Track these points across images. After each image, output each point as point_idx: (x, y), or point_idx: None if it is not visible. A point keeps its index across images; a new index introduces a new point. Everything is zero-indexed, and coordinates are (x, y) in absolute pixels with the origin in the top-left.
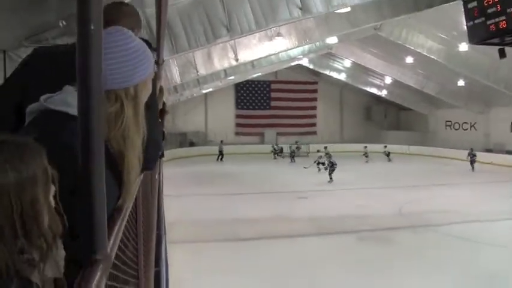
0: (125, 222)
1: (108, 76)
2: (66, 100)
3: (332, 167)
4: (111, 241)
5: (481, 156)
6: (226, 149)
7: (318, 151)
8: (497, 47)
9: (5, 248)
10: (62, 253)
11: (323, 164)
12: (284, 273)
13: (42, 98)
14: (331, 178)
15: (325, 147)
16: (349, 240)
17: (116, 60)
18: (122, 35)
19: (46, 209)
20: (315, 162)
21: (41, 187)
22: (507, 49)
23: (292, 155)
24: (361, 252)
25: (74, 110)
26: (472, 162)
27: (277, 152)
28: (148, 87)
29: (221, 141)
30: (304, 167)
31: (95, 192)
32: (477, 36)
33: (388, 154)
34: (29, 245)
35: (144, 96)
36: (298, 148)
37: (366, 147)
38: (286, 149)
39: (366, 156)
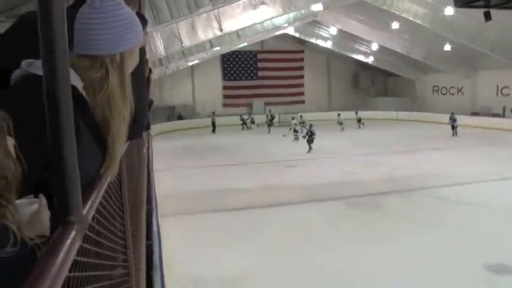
0: (104, 188)
1: (94, 41)
2: None
3: (311, 136)
4: (88, 204)
5: (467, 119)
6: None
7: (293, 118)
8: (482, 10)
9: None
10: (46, 212)
11: (296, 131)
12: (277, 241)
13: (24, 63)
14: (310, 147)
15: (301, 116)
16: (339, 206)
17: (103, 26)
18: (112, 2)
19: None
20: (290, 129)
21: None
22: (492, 12)
23: (269, 125)
24: (351, 217)
25: None
26: (454, 127)
27: (245, 122)
28: (135, 56)
29: (213, 113)
30: (283, 135)
31: (66, 154)
32: None
33: (359, 120)
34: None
35: (131, 65)
36: (272, 117)
37: (339, 115)
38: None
39: (340, 124)
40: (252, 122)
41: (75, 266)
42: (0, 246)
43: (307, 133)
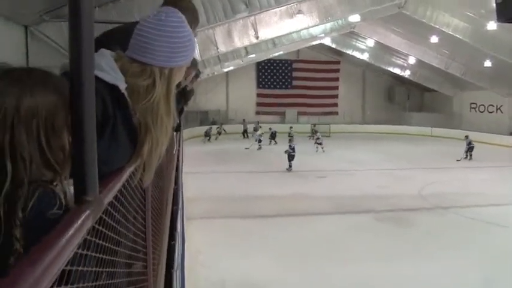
0: (125, 176)
1: (150, 51)
2: (99, 63)
3: (291, 153)
4: (106, 189)
5: (506, 139)
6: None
7: (255, 130)
8: None
9: (33, 162)
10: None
11: (260, 141)
12: (303, 250)
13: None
14: (289, 165)
15: (290, 128)
16: (369, 220)
17: (163, 39)
18: (177, 18)
19: (65, 133)
20: (255, 141)
21: (62, 114)
22: None
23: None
24: (379, 232)
25: (103, 74)
26: (469, 150)
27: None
28: (182, 73)
29: (244, 120)
30: (246, 148)
31: (86, 137)
32: (506, 14)
33: (314, 133)
34: (53, 160)
35: (176, 80)
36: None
37: (314, 127)
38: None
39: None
40: (219, 133)
41: (87, 244)
42: (47, 208)
43: (288, 150)
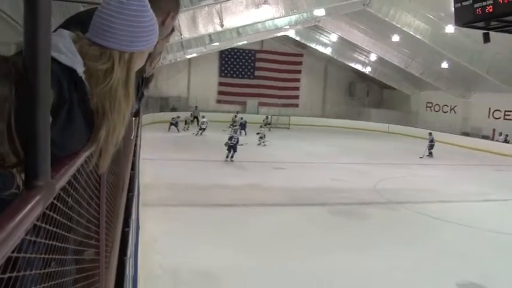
0: (79, 161)
1: (111, 34)
2: (57, 44)
3: (230, 145)
4: (58, 174)
5: (458, 139)
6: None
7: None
8: (482, 31)
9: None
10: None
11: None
12: (257, 240)
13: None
14: (229, 155)
15: (235, 115)
16: (323, 212)
17: (124, 22)
18: (139, 2)
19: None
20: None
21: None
22: (491, 34)
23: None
24: (333, 224)
25: (60, 56)
26: (430, 147)
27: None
28: (143, 59)
29: (195, 107)
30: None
31: (38, 120)
32: (463, 18)
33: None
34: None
35: (137, 66)
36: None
37: (236, 114)
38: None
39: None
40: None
41: (36, 231)
42: (4, 188)
43: (227, 141)
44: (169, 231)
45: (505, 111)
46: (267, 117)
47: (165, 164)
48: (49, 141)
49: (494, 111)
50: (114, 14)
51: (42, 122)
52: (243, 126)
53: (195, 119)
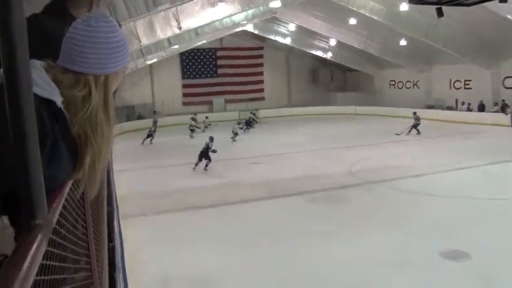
0: (66, 191)
1: (83, 59)
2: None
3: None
4: (53, 208)
5: (423, 112)
6: (173, 119)
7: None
8: (435, 7)
9: None
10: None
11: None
12: (242, 239)
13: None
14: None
15: (206, 117)
16: (302, 202)
17: (95, 46)
18: (108, 22)
19: None
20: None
21: None
22: (444, 8)
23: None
24: (314, 212)
25: (38, 89)
26: (416, 126)
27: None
28: (119, 77)
29: (154, 112)
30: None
31: (30, 158)
32: None
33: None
34: None
35: (114, 87)
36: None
37: (207, 117)
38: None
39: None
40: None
41: (42, 270)
42: None
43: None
44: (152, 240)
45: (465, 80)
46: (251, 112)
47: (139, 173)
48: (42, 178)
49: (455, 82)
50: (84, 39)
51: (33, 161)
52: (248, 123)
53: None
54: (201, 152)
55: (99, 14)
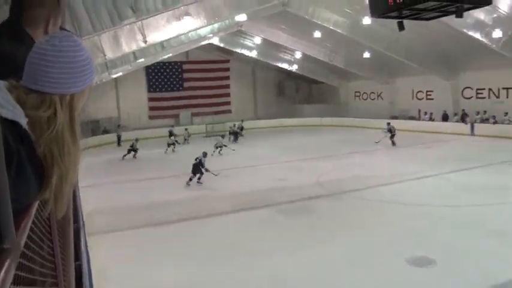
0: (33, 213)
1: (48, 79)
2: None
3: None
4: (20, 230)
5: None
6: (139, 133)
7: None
8: (396, 20)
9: None
10: None
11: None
12: (207, 254)
13: None
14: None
15: (186, 129)
16: (270, 214)
17: (60, 65)
18: (72, 41)
19: None
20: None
21: None
22: (405, 22)
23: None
24: (282, 224)
25: (2, 111)
26: (392, 136)
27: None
28: (84, 97)
29: (118, 126)
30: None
31: None
32: (378, 10)
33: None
34: None
35: (80, 105)
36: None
37: (208, 127)
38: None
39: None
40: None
41: None
42: None
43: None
44: (120, 257)
45: (427, 91)
46: (234, 125)
47: (105, 188)
48: (9, 201)
49: (417, 93)
50: (49, 59)
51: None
52: (235, 134)
53: (119, 139)
54: (194, 165)
55: (62, 33)
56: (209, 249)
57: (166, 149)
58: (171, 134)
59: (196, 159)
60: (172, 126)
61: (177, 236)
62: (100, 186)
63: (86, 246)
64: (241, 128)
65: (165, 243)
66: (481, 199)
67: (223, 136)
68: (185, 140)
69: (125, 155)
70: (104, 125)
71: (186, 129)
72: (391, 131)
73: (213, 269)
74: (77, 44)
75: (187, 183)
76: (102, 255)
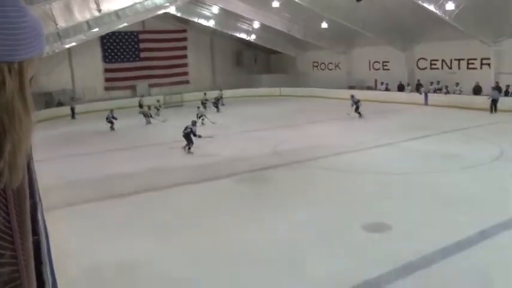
0: None
1: None
2: None
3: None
4: None
5: (345, 92)
6: (95, 106)
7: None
8: None
9: None
10: None
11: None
12: (172, 222)
13: None
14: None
15: (158, 101)
16: (229, 183)
17: (3, 32)
18: (15, 6)
19: None
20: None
21: None
22: None
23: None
24: (241, 193)
25: None
26: (357, 108)
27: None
28: (35, 65)
29: (71, 98)
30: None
31: None
32: None
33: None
34: None
35: (30, 73)
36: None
37: (205, 93)
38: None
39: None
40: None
41: None
42: None
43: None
44: (79, 231)
45: (383, 62)
46: (205, 94)
47: (60, 162)
48: None
49: (374, 63)
50: None
51: None
52: (215, 104)
53: (73, 111)
54: (185, 135)
55: None
56: (170, 220)
57: (148, 120)
58: (141, 105)
59: (186, 129)
60: (142, 96)
61: (136, 208)
62: (56, 159)
63: (44, 220)
64: (221, 97)
65: (124, 215)
66: (432, 166)
67: (205, 106)
68: (157, 110)
69: (111, 127)
70: (57, 97)
71: (158, 100)
72: (357, 103)
73: (171, 239)
74: (21, 9)
75: (189, 152)
76: (62, 229)
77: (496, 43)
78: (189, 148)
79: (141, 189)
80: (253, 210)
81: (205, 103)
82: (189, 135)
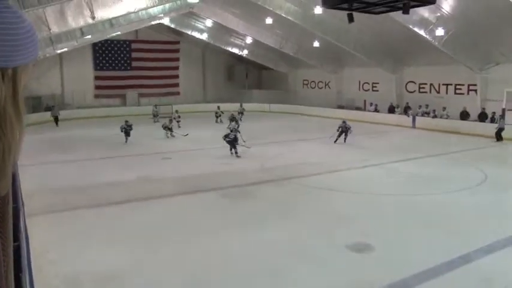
0: None
1: None
2: None
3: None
4: None
5: (334, 112)
6: (85, 112)
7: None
8: (347, 12)
9: None
10: None
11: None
12: (150, 234)
13: None
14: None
15: (176, 111)
16: (214, 197)
17: (0, 37)
18: (11, 12)
19: None
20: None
21: None
22: (355, 14)
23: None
24: (226, 207)
25: None
26: (346, 136)
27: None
28: (28, 71)
29: (53, 106)
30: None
31: None
32: (329, 1)
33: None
34: None
35: (23, 80)
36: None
37: (218, 107)
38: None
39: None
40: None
41: None
42: None
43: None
44: (61, 239)
45: (373, 83)
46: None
47: (46, 168)
48: None
49: (363, 84)
50: None
51: None
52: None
53: (56, 120)
54: (229, 142)
55: (1, 4)
56: (154, 231)
57: (171, 133)
58: (155, 114)
59: (229, 137)
60: (156, 105)
61: (119, 217)
62: (41, 165)
63: (26, 226)
64: (242, 112)
65: (107, 224)
66: (416, 188)
67: (235, 121)
68: (178, 123)
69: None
70: (46, 101)
71: (176, 111)
72: (346, 131)
73: (153, 250)
74: (17, 16)
75: (237, 156)
76: (42, 236)
77: (483, 70)
78: (236, 152)
79: (126, 199)
80: (235, 225)
81: (240, 115)
82: (233, 142)
